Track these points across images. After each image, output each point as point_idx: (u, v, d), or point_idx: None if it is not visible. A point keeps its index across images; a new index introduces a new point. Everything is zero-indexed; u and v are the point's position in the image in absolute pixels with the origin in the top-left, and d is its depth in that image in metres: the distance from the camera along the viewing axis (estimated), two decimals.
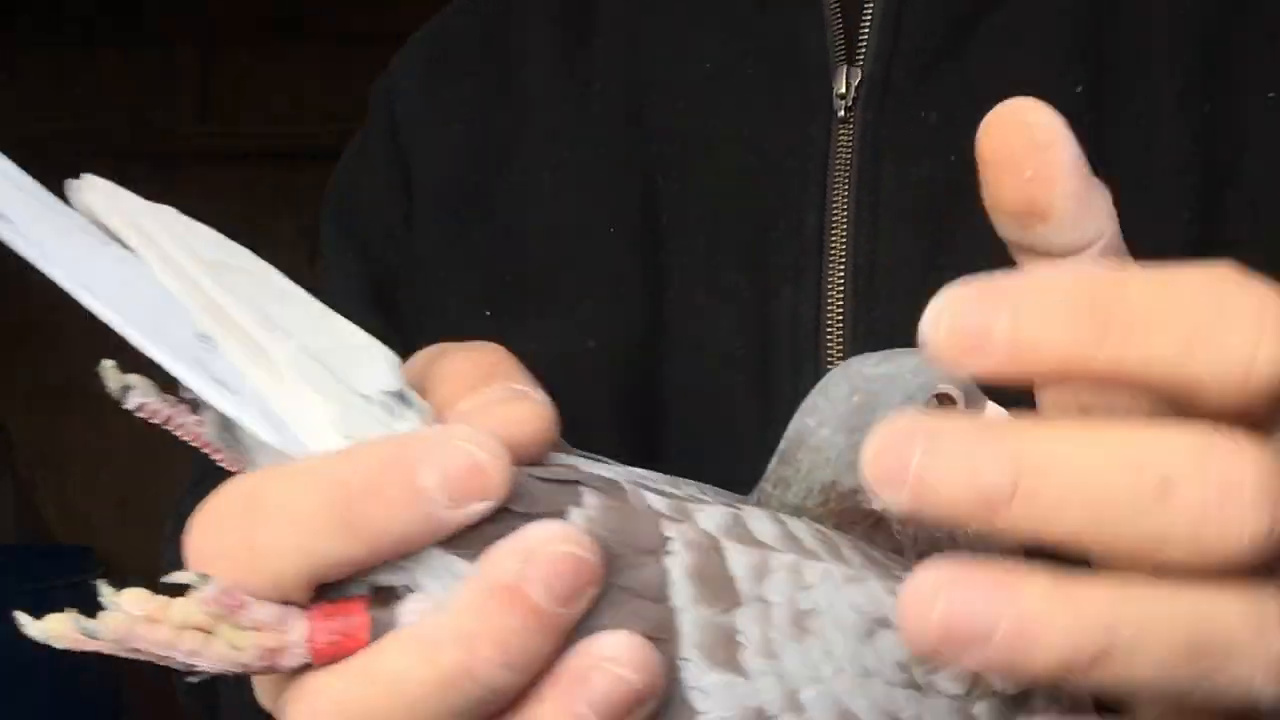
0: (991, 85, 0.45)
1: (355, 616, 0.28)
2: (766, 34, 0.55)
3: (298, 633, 0.28)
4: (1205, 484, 0.24)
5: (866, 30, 0.53)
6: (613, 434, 0.49)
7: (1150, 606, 0.25)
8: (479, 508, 0.28)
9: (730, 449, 0.47)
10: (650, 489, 0.32)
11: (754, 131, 0.54)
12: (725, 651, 0.29)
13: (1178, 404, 0.26)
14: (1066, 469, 0.25)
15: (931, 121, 0.51)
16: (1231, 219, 0.49)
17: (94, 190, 0.32)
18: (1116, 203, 0.29)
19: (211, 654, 0.28)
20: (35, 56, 3.16)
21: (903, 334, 0.40)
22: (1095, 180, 0.28)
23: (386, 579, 0.29)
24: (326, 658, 0.28)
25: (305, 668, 0.28)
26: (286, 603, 0.28)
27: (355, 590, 0.29)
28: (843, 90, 0.52)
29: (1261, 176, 0.50)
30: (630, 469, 0.34)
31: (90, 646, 0.28)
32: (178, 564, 0.31)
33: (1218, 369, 0.25)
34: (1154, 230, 0.40)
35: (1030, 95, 0.39)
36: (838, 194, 0.51)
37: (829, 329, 0.50)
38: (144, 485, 3.22)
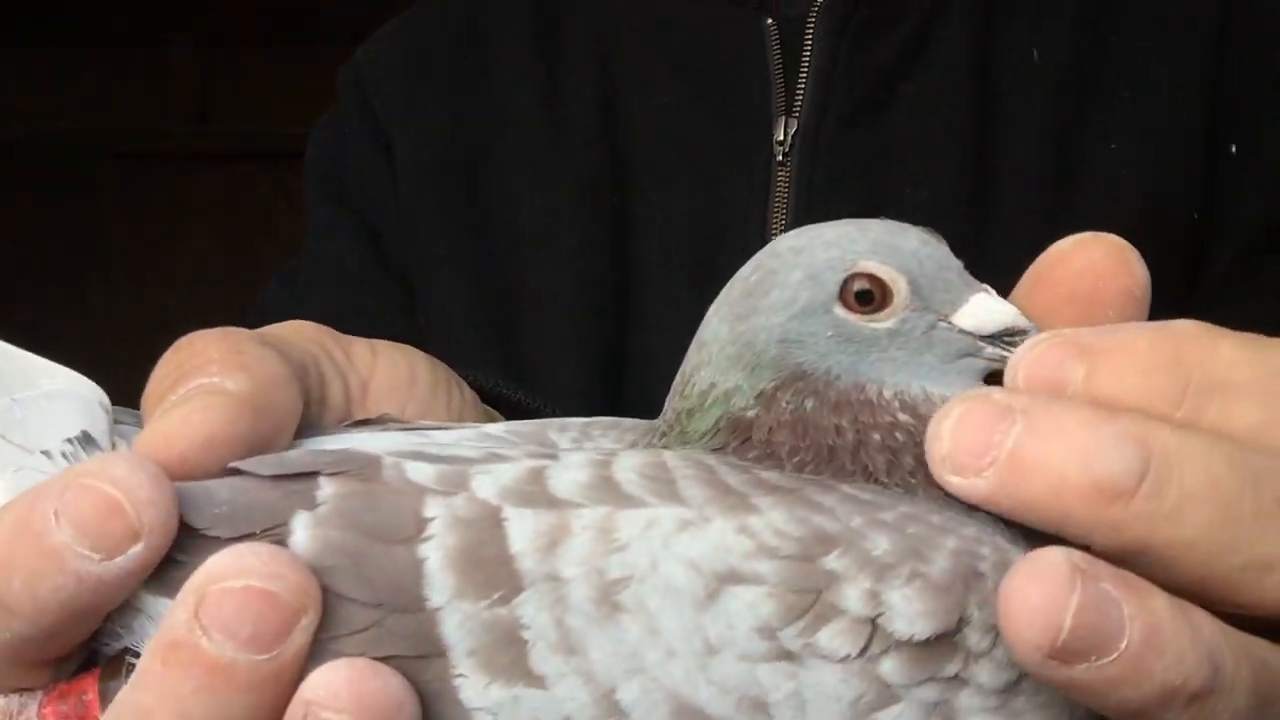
0: (903, 138, 0.60)
1: (87, 693, 0.25)
2: (716, 84, 0.63)
3: (28, 717, 0.24)
4: None
5: (802, 87, 0.61)
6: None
7: (1246, 645, 0.23)
8: (136, 551, 0.23)
9: None
10: (431, 456, 0.26)
11: (706, 166, 0.62)
12: (508, 655, 0.23)
13: None
14: (1202, 466, 0.23)
15: (855, 166, 0.60)
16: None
17: None
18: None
19: None
20: (35, 56, 3.15)
21: None
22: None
23: (112, 645, 0.25)
24: None
25: None
26: (23, 690, 0.25)
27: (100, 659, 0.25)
28: (781, 138, 0.60)
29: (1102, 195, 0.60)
30: (459, 428, 0.29)
31: None
32: None
33: None
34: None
35: (934, 147, 0.56)
36: (776, 226, 0.59)
37: None
38: None
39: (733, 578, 0.23)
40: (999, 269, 0.35)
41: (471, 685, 0.23)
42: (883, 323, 0.27)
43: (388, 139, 0.67)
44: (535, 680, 0.23)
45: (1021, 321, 0.27)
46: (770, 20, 0.63)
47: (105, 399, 0.28)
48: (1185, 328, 0.25)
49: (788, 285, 0.27)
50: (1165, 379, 0.24)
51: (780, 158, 0.61)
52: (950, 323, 0.27)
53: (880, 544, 0.24)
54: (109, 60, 3.16)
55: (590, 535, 0.24)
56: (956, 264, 0.28)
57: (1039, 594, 0.21)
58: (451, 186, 0.65)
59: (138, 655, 0.24)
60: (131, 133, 3.07)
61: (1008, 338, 0.27)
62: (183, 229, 3.15)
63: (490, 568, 0.23)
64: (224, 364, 0.27)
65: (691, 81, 0.64)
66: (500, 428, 0.30)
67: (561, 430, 0.29)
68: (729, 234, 0.60)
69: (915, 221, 0.30)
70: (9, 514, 0.24)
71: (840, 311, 0.27)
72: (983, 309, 0.27)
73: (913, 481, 0.26)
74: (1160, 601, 0.22)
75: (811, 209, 0.59)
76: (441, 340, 0.60)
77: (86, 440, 0.26)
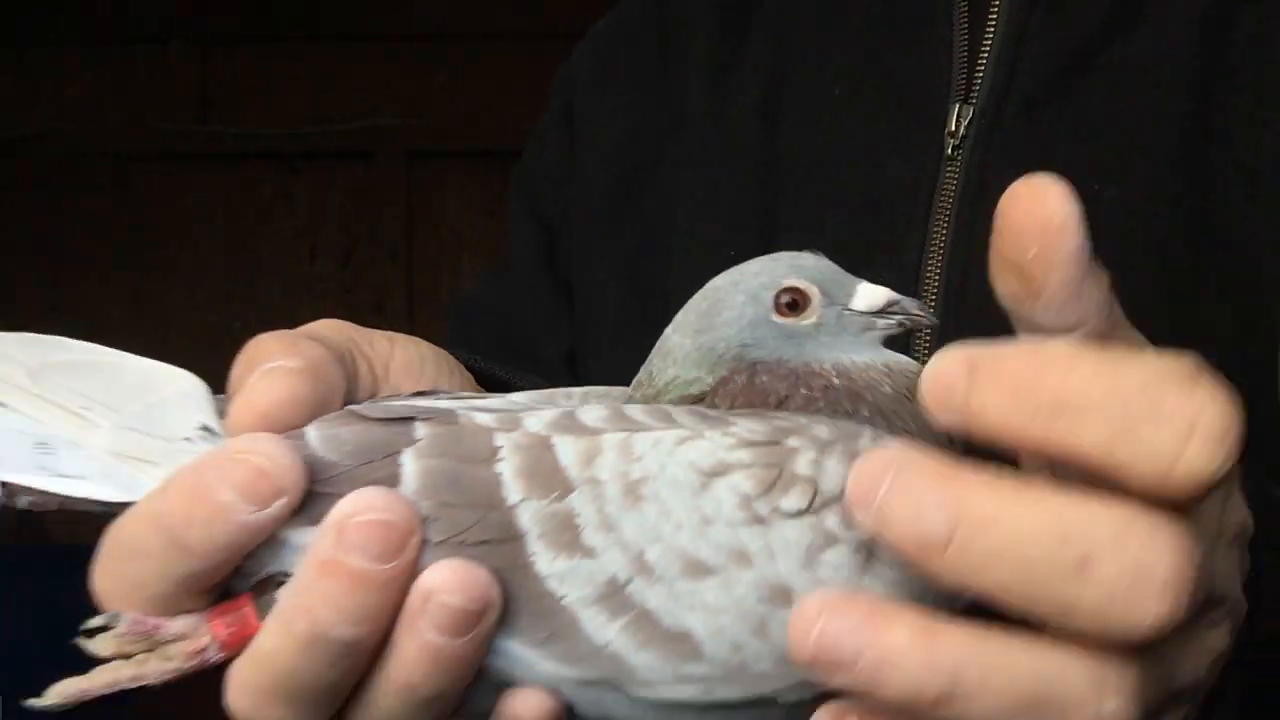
0: (1095, 125, 0.50)
1: (244, 608, 0.33)
2: (895, 68, 0.57)
3: (205, 634, 0.33)
4: (1121, 567, 0.27)
5: (983, 67, 0.54)
6: None
7: (1001, 659, 0.28)
8: (282, 503, 0.32)
9: None
10: (485, 409, 0.36)
11: (871, 163, 0.57)
12: (567, 535, 0.32)
13: (1109, 482, 0.28)
14: (1001, 530, 0.28)
15: (1034, 161, 0.52)
16: None
17: None
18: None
19: (151, 672, 0.33)
20: (35, 56, 3.15)
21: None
22: (1094, 269, 0.30)
23: (263, 570, 0.33)
24: (234, 646, 0.33)
25: (222, 659, 0.34)
26: (191, 612, 0.34)
27: (244, 585, 0.34)
28: (953, 128, 0.55)
29: None
30: (491, 396, 0.39)
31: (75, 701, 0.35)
32: None
33: (1142, 461, 0.27)
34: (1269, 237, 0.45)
35: (1133, 136, 0.45)
36: (938, 230, 0.54)
37: (917, 353, 0.52)
38: None
39: (720, 469, 0.32)
40: (1215, 272, 0.42)
41: (541, 559, 0.32)
42: (808, 320, 0.37)
43: (572, 141, 0.69)
44: (587, 552, 0.32)
45: (894, 296, 0.38)
46: None
47: (207, 389, 0.37)
48: (1054, 348, 0.29)
49: (734, 306, 0.37)
50: (1024, 399, 0.28)
51: (950, 151, 0.55)
52: (850, 309, 0.37)
53: (823, 431, 0.33)
54: (109, 60, 3.16)
55: (615, 450, 0.33)
56: (838, 268, 0.38)
57: (795, 627, 0.28)
58: (618, 192, 0.65)
59: (284, 577, 0.33)
60: (131, 133, 3.08)
61: (890, 310, 0.37)
62: (183, 229, 3.16)
63: (548, 476, 0.32)
64: (283, 352, 0.36)
65: (863, 68, 0.58)
66: (520, 396, 0.39)
67: (566, 397, 0.39)
68: (891, 242, 0.55)
69: (1110, 224, 0.39)
70: (181, 484, 0.32)
71: (776, 318, 0.37)
72: (868, 294, 0.38)
73: (848, 411, 0.35)
74: (900, 630, 0.28)
75: (978, 217, 0.52)
76: (593, 341, 0.65)
77: (207, 429, 0.35)
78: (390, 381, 0.40)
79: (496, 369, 0.51)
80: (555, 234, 0.68)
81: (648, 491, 0.32)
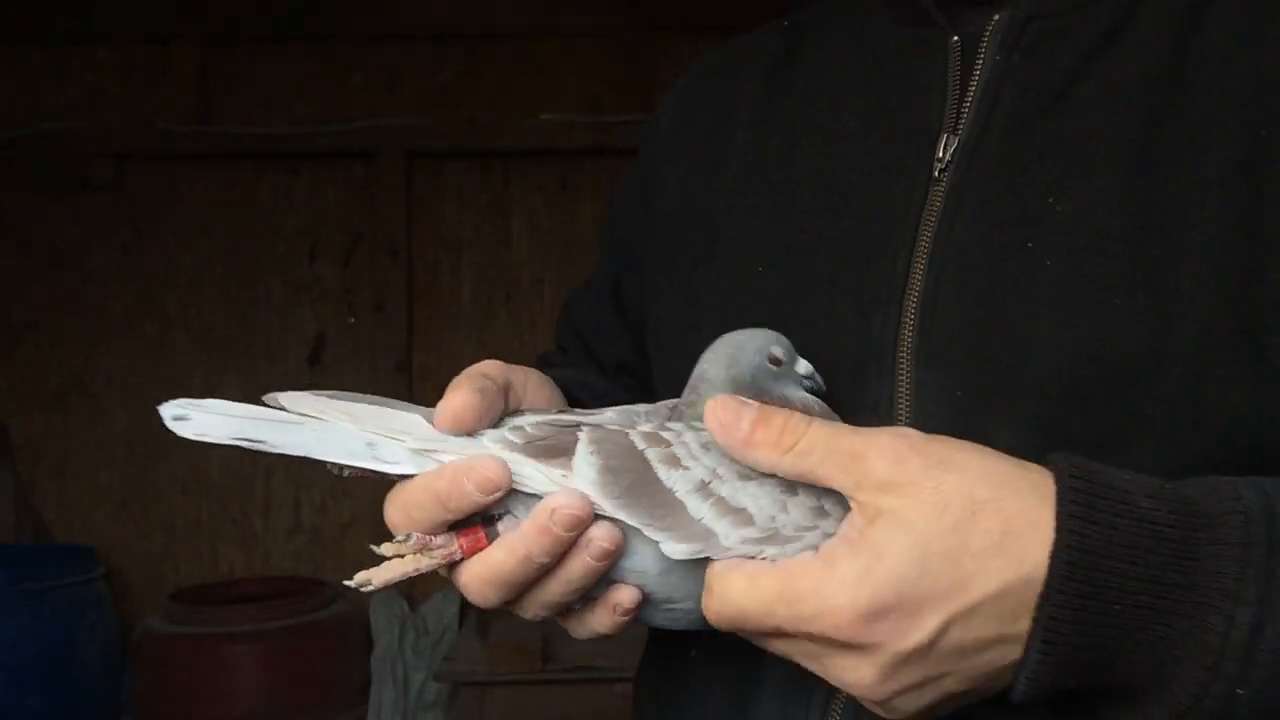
0: (1055, 151, 0.61)
1: (478, 532, 0.57)
2: (898, 105, 0.68)
3: (454, 545, 0.57)
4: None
5: (969, 104, 0.65)
6: None
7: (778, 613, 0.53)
8: (498, 494, 0.55)
9: None
10: (608, 421, 0.60)
11: (874, 184, 0.66)
12: (673, 463, 0.56)
13: None
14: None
15: (1003, 181, 0.62)
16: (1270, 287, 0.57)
17: (286, 398, 0.57)
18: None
19: (424, 565, 0.57)
20: (35, 56, 3.16)
21: (957, 354, 0.60)
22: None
23: (492, 510, 0.57)
24: (469, 554, 0.57)
25: (462, 561, 0.58)
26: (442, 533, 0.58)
27: (478, 519, 0.58)
28: (941, 155, 0.64)
29: None
30: (597, 412, 0.62)
31: (381, 586, 0.57)
32: None
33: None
34: (1190, 288, 0.56)
35: (1087, 159, 0.59)
36: (923, 241, 0.63)
37: (900, 350, 0.62)
38: (144, 485, 3.22)
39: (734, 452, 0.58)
40: (1161, 272, 0.57)
41: (662, 473, 0.56)
42: (784, 370, 0.62)
43: (646, 185, 0.81)
44: (686, 468, 0.56)
45: (810, 368, 0.62)
46: (955, 38, 0.67)
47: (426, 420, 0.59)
48: (789, 416, 0.55)
49: (749, 355, 0.61)
50: (772, 452, 0.54)
51: (937, 174, 0.64)
52: (795, 370, 0.62)
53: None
54: (109, 60, 3.17)
55: (689, 435, 0.58)
56: (790, 345, 0.62)
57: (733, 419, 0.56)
58: (680, 219, 0.76)
59: (503, 515, 0.57)
60: (131, 133, 3.08)
61: (809, 375, 0.62)
62: (183, 229, 3.16)
63: (659, 440, 0.57)
64: (471, 376, 0.60)
65: (873, 106, 0.69)
66: (609, 412, 0.62)
67: (638, 413, 0.62)
68: (885, 251, 0.64)
69: (1059, 230, 0.59)
70: (448, 472, 0.56)
71: (769, 366, 0.61)
72: (803, 365, 0.62)
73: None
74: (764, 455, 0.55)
75: (954, 228, 0.62)
76: (655, 341, 0.79)
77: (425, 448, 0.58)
78: (527, 399, 0.63)
79: (573, 390, 0.72)
80: (624, 267, 0.85)
81: (706, 441, 0.57)
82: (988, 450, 0.52)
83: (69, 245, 3.14)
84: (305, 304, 3.20)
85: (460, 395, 0.57)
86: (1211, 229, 0.57)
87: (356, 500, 3.15)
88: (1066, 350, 0.57)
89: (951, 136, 0.64)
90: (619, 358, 0.86)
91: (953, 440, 0.52)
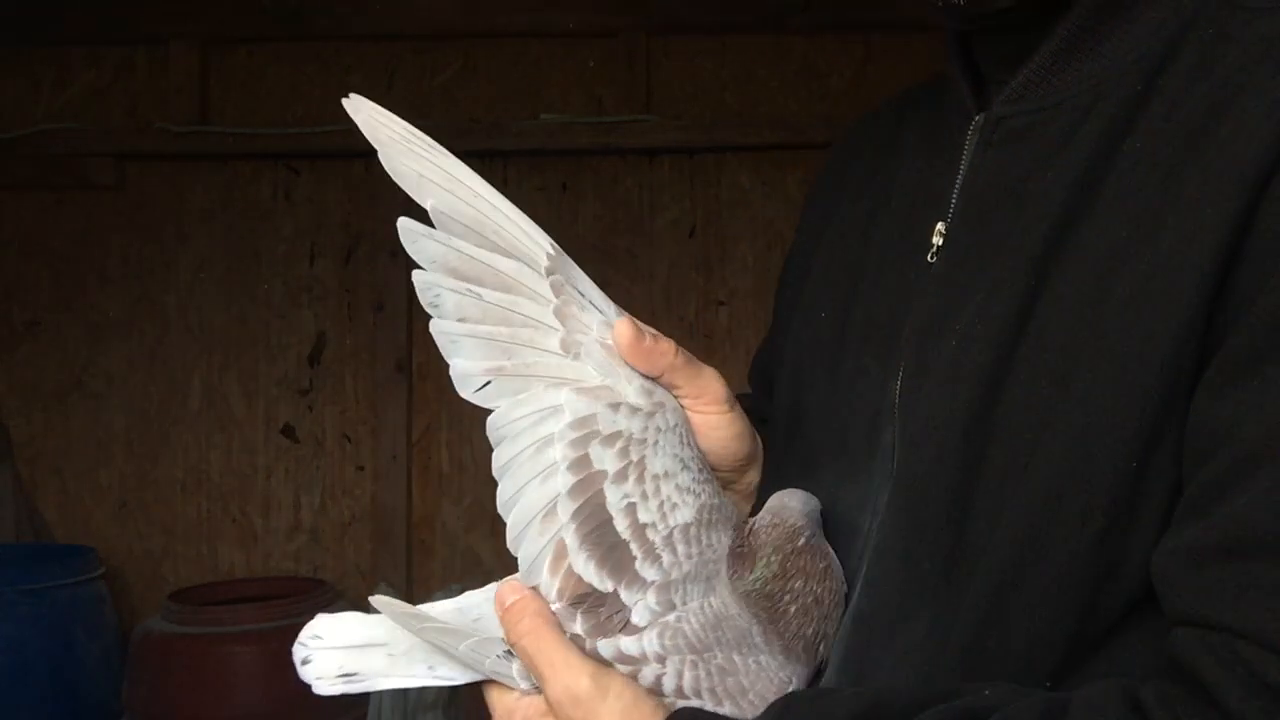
0: (995, 245, 0.67)
1: None
2: (916, 187, 0.77)
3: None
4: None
5: (955, 193, 0.72)
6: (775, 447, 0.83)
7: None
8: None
9: (845, 479, 0.74)
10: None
11: (897, 260, 0.76)
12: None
13: None
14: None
15: (956, 268, 0.70)
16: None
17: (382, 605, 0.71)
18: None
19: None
20: (35, 56, 3.16)
21: (939, 413, 0.67)
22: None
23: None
24: None
25: None
26: None
27: None
28: (934, 240, 0.72)
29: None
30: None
31: None
32: None
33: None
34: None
35: (1015, 245, 0.66)
36: (918, 315, 0.71)
37: (892, 410, 0.71)
38: (144, 485, 3.22)
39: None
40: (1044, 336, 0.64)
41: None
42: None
43: (805, 233, 0.92)
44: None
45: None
46: (978, 117, 0.72)
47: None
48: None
49: (808, 505, 0.71)
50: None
51: (930, 258, 0.72)
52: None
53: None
54: (109, 60, 3.17)
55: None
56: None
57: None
58: (794, 295, 0.88)
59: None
60: (131, 133, 3.08)
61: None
62: (183, 229, 3.16)
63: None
64: (675, 357, 0.73)
65: (911, 176, 0.78)
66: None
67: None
68: (889, 319, 0.74)
69: (974, 320, 0.66)
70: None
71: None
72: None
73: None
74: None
75: (927, 310, 0.70)
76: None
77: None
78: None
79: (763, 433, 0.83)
80: (781, 321, 0.93)
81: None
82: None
83: (69, 245, 3.14)
84: (305, 304, 3.20)
85: (669, 347, 0.71)
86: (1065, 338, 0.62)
87: (357, 500, 3.15)
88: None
89: (944, 224, 0.72)
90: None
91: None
